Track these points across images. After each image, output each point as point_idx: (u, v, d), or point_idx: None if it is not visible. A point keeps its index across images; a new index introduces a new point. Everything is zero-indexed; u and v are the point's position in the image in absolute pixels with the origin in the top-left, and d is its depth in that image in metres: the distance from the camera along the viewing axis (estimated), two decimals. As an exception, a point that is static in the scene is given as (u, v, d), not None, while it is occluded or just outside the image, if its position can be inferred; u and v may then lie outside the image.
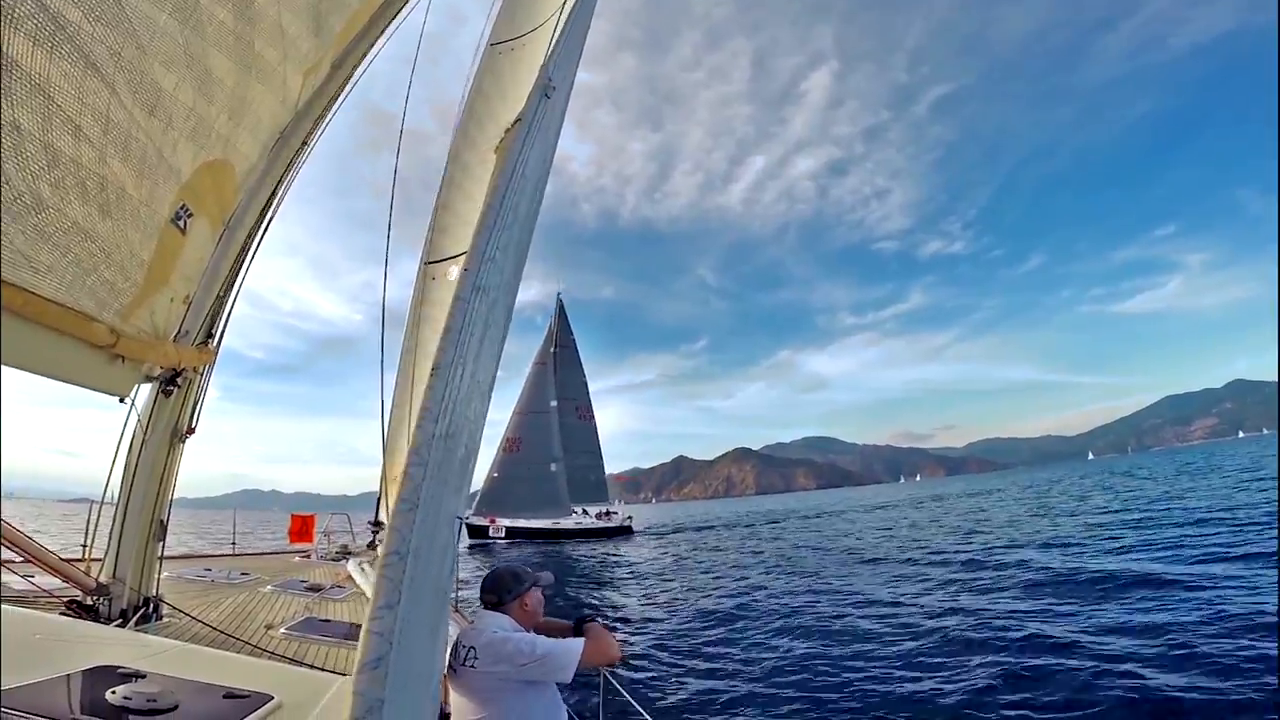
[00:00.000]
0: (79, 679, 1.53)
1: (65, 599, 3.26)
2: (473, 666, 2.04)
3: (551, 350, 43.03)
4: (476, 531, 32.97)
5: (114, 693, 1.44)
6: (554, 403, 39.74)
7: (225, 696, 1.63)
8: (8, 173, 1.72)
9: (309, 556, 9.45)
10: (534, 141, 2.27)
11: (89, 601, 3.24)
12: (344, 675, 2.28)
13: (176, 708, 1.47)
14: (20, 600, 3.56)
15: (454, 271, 7.06)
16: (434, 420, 1.25)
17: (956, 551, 16.68)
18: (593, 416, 45.68)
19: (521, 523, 36.09)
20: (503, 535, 34.38)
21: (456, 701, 2.13)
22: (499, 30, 7.54)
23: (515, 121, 2.11)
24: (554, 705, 2.18)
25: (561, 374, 42.61)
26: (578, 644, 2.07)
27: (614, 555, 25.21)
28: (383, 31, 4.98)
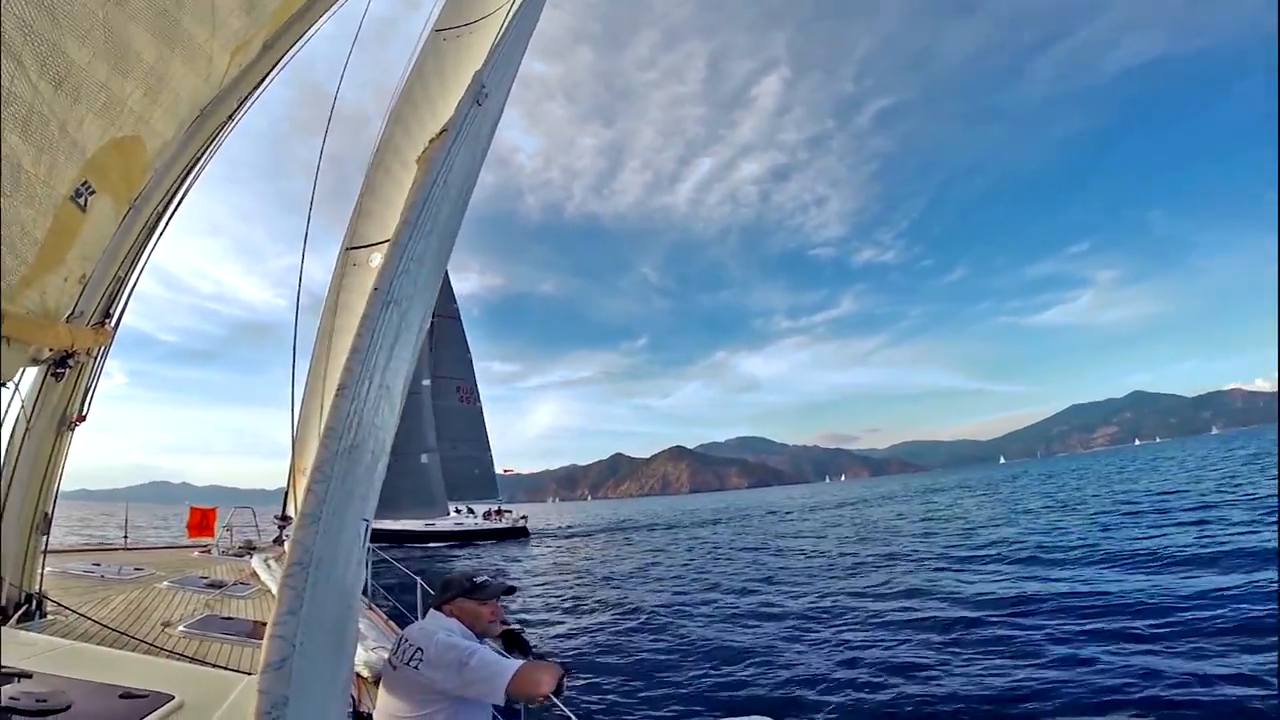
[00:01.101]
0: None
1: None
2: (416, 667, 1.97)
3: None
4: None
5: None
6: (426, 381, 32.74)
7: (122, 696, 1.57)
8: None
9: (209, 551, 8.97)
10: (460, 149, 2.29)
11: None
12: (249, 674, 2.23)
13: (69, 708, 1.42)
14: None
15: (376, 258, 6.89)
16: (338, 438, 1.32)
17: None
18: (478, 399, 38.81)
19: (387, 524, 30.75)
20: None
21: (387, 701, 2.07)
22: (446, 16, 7.35)
23: (441, 131, 2.13)
24: None
25: (439, 348, 35.60)
26: (513, 665, 1.96)
27: (494, 564, 22.89)
28: (323, 13, 4.85)
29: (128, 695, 1.60)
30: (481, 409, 39.65)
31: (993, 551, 16.13)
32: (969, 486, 61.35)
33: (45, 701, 1.40)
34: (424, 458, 31.29)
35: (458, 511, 35.49)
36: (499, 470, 40.71)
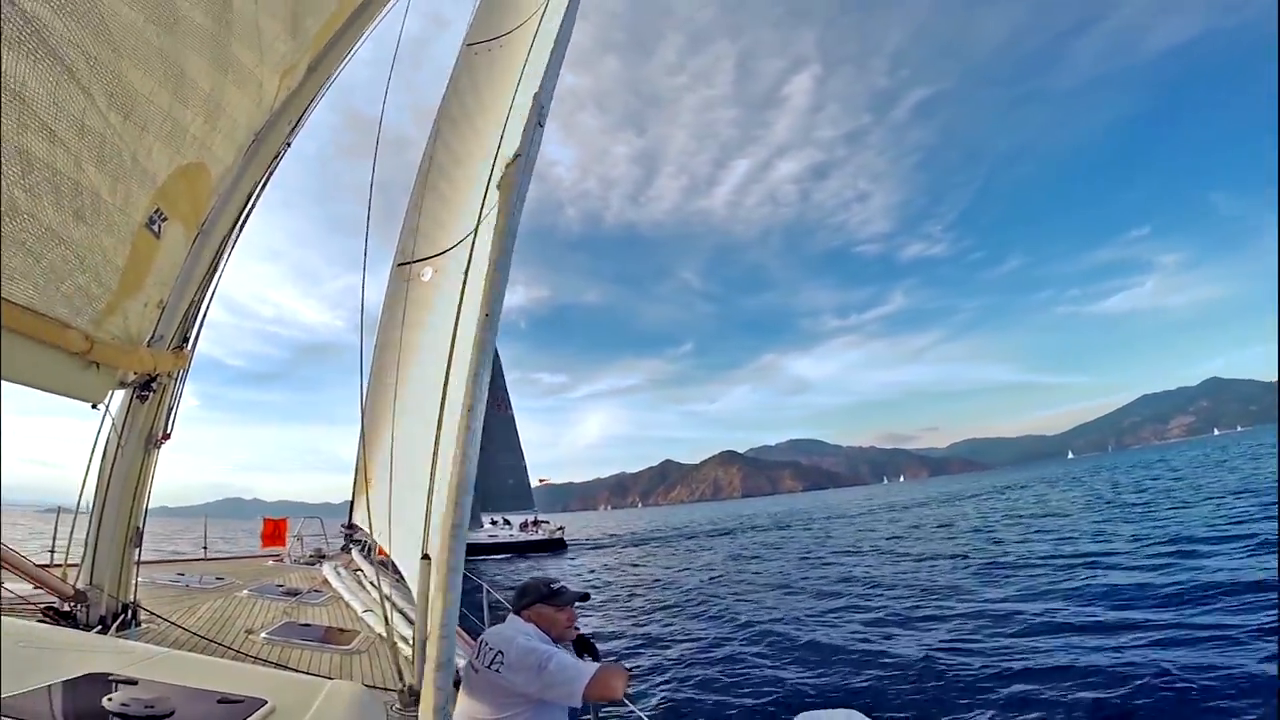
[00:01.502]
0: (72, 687, 1.51)
1: (42, 605, 3.21)
2: (497, 670, 2.00)
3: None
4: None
5: (110, 700, 1.42)
6: None
7: (219, 701, 1.61)
8: (-19, 179, 1.72)
9: (281, 560, 9.35)
10: (531, 170, 2.39)
11: (66, 608, 3.20)
12: (330, 679, 2.28)
13: (173, 714, 1.46)
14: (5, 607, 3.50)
15: (427, 273, 7.05)
16: (476, 450, 1.45)
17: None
18: (509, 407, 36.85)
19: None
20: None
21: (467, 703, 2.09)
22: (476, 31, 7.54)
23: (515, 157, 2.19)
24: None
25: None
26: (590, 668, 2.01)
27: (522, 578, 21.61)
28: (361, 34, 4.96)
29: (225, 700, 1.63)
30: (513, 416, 37.66)
31: (1131, 546, 14.84)
32: (1050, 482, 57.40)
33: (153, 708, 1.43)
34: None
35: (493, 523, 33.81)
36: (534, 481, 38.87)
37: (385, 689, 3.28)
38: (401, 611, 5.23)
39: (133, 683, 1.60)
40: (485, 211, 5.06)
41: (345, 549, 10.19)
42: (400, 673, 3.25)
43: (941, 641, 9.01)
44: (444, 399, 2.98)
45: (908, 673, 7.77)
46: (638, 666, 9.28)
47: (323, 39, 4.45)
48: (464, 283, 3.17)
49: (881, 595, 12.99)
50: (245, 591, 5.90)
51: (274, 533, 10.38)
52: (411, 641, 3.20)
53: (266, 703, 1.63)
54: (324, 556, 9.53)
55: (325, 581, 7.11)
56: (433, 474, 3.04)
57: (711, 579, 18.17)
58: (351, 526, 10.00)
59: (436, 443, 2.97)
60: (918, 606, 11.56)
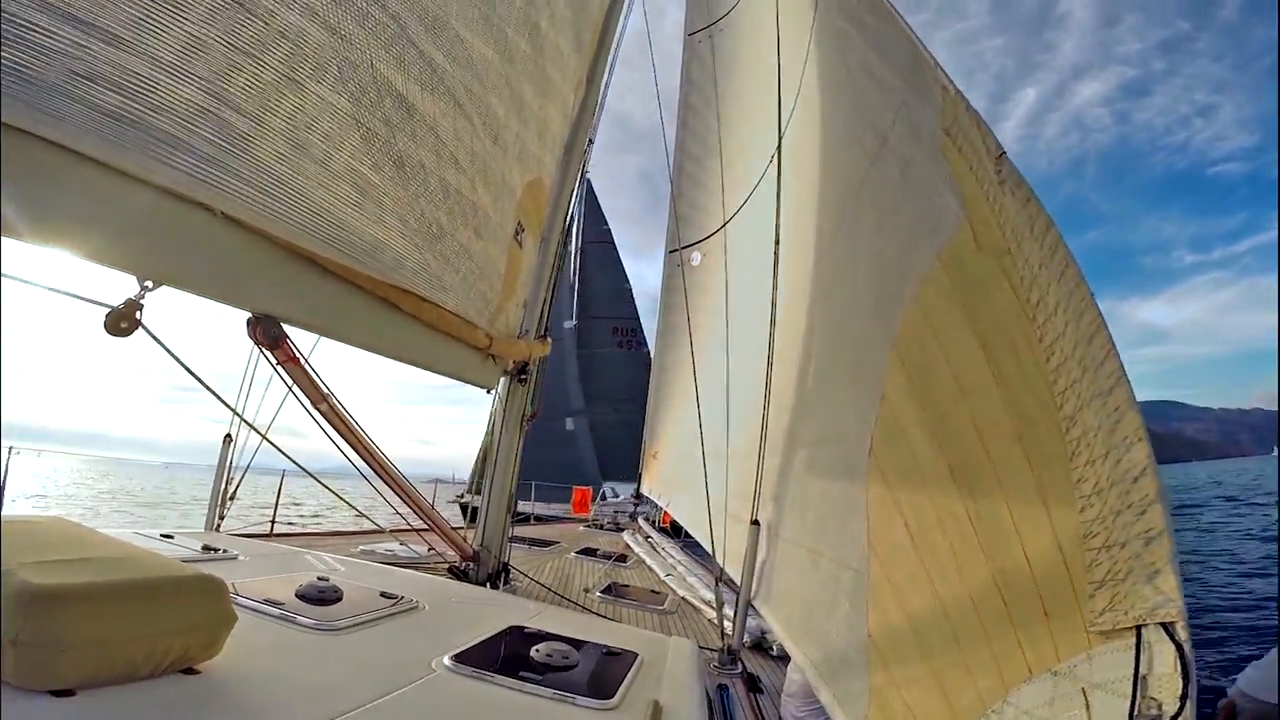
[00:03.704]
0: (505, 638, 1.79)
1: (447, 565, 3.99)
2: None
3: (573, 248, 24.64)
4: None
5: (537, 650, 1.64)
6: (569, 323, 23.15)
7: (605, 654, 1.78)
8: (423, 208, 2.08)
9: (591, 526, 10.66)
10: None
11: (463, 567, 3.91)
12: (668, 636, 2.42)
13: (578, 665, 1.64)
14: (416, 564, 4.50)
15: (696, 257, 7.31)
16: None
17: None
18: (643, 343, 25.80)
19: (540, 509, 20.51)
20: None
21: None
22: (693, 20, 7.66)
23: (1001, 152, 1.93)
24: None
25: (589, 280, 26.12)
26: None
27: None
28: (612, 40, 5.23)
29: (609, 653, 1.74)
30: (649, 354, 25.14)
31: None
32: None
33: (567, 658, 1.60)
34: (570, 423, 22.25)
35: (614, 495, 25.54)
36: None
37: (705, 648, 3.40)
38: (699, 577, 5.53)
39: (537, 633, 1.83)
40: (748, 193, 4.97)
41: (633, 517, 11.25)
42: (723, 633, 3.36)
43: None
44: (769, 374, 2.95)
45: None
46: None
47: (591, 49, 4.78)
48: (776, 257, 3.10)
49: None
50: (572, 554, 6.78)
51: (581, 501, 11.95)
52: (734, 605, 3.25)
53: (638, 656, 1.75)
54: (619, 525, 10.61)
55: (627, 546, 7.86)
56: (762, 444, 3.03)
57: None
58: (639, 497, 10.96)
59: (766, 411, 2.95)
60: None
